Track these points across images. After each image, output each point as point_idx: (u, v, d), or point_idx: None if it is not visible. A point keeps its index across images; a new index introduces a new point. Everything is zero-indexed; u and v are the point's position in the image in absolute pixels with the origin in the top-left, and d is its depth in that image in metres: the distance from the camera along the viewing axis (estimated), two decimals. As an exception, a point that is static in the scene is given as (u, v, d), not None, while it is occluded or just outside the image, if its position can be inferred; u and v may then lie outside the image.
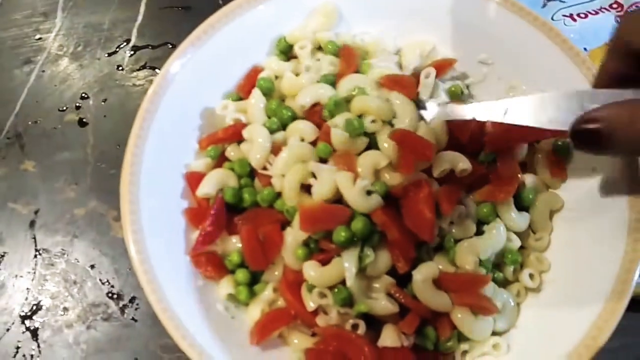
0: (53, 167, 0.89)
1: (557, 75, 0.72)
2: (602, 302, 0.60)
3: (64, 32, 1.02)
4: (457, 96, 0.78)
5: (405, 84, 0.72)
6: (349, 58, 0.76)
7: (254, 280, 0.68)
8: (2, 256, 0.84)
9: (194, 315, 0.62)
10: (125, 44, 1.00)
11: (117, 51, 1.00)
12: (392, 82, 0.71)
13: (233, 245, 0.68)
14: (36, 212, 0.86)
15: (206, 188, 0.69)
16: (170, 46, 0.99)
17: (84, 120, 0.93)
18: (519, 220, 0.69)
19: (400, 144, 0.64)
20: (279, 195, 0.68)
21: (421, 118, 0.69)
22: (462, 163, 0.66)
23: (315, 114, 0.71)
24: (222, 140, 0.73)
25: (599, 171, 0.68)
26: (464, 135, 0.70)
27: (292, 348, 0.65)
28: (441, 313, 0.64)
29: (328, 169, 0.65)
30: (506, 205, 0.69)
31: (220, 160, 0.73)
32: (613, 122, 0.45)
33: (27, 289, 0.81)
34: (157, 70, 0.97)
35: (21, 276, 0.82)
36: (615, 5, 0.94)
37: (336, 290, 0.62)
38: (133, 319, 0.79)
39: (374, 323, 0.64)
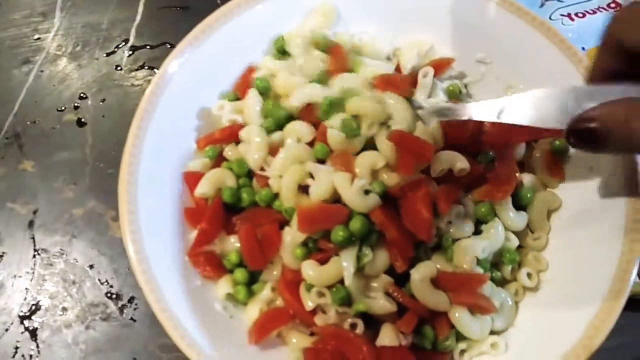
0: (52, 167, 0.89)
1: (554, 75, 0.72)
2: (599, 301, 0.60)
3: (62, 32, 1.02)
4: (455, 95, 0.78)
5: (399, 84, 0.71)
6: (338, 56, 0.75)
7: (253, 279, 0.68)
8: (1, 256, 0.84)
9: (192, 314, 0.62)
10: (123, 44, 1.00)
11: (116, 51, 1.00)
12: (385, 83, 0.71)
13: (231, 245, 0.68)
14: (35, 212, 0.86)
15: (204, 188, 0.69)
16: (169, 46, 0.99)
17: (83, 120, 0.93)
18: (517, 219, 0.69)
19: (399, 145, 0.64)
20: (276, 195, 0.68)
21: (418, 118, 0.69)
22: (461, 163, 0.66)
23: (310, 113, 0.71)
24: (219, 141, 0.73)
25: (597, 171, 0.68)
26: (462, 135, 0.70)
27: (291, 347, 0.65)
28: (439, 312, 0.64)
29: (325, 169, 0.65)
30: (504, 205, 0.69)
31: (218, 160, 0.73)
32: (609, 121, 0.46)
33: (26, 289, 0.81)
34: (155, 70, 0.97)
35: (20, 276, 0.82)
36: (613, 5, 0.94)
37: (334, 289, 0.63)
38: (132, 319, 0.79)
39: (372, 322, 0.64)
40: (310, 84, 0.73)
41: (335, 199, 0.64)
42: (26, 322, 0.79)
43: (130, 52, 0.99)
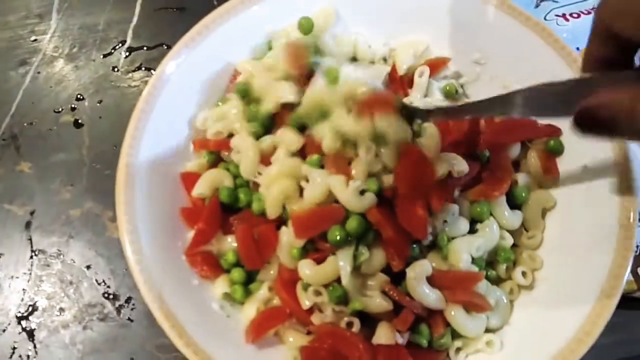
0: (49, 168, 0.89)
1: (549, 75, 0.70)
2: (593, 299, 0.61)
3: (59, 33, 1.02)
4: (451, 95, 0.79)
5: (383, 103, 0.64)
6: (294, 56, 0.73)
7: (250, 279, 0.69)
8: (-2, 257, 0.84)
9: (189, 314, 0.63)
10: (120, 45, 1.01)
11: (113, 52, 1.00)
12: (368, 106, 0.64)
13: (228, 244, 0.69)
14: (32, 213, 0.86)
15: (201, 188, 0.70)
16: (166, 47, 0.99)
17: (80, 121, 0.93)
18: (512, 218, 0.70)
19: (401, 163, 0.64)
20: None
21: (412, 129, 0.66)
22: (459, 164, 0.66)
23: (287, 114, 0.71)
24: (214, 148, 0.74)
25: (591, 170, 0.69)
26: (458, 135, 0.70)
27: (288, 346, 0.66)
28: (435, 310, 0.65)
29: (320, 172, 0.65)
30: (499, 204, 0.70)
31: (215, 160, 0.74)
32: (614, 107, 0.45)
33: (23, 289, 0.81)
34: (152, 71, 0.97)
35: (17, 277, 0.82)
36: (607, 5, 0.95)
37: (331, 288, 0.63)
38: (129, 319, 0.79)
39: (369, 321, 0.65)
40: (281, 83, 0.72)
41: (330, 200, 0.64)
42: (23, 323, 0.79)
43: (127, 54, 1.00)
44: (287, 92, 0.71)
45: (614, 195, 0.65)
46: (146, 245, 0.64)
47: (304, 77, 0.73)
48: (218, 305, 0.67)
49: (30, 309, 0.80)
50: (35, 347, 0.78)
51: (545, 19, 0.94)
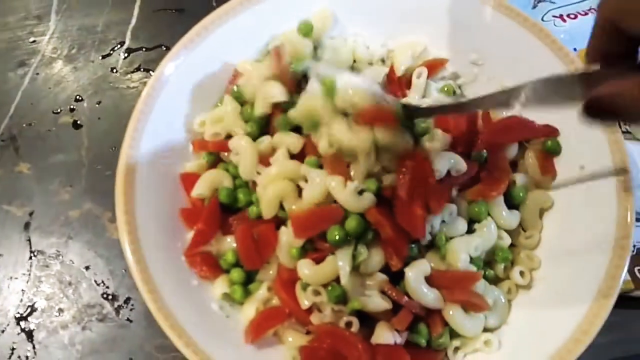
0: (48, 169, 0.90)
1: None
2: (591, 298, 0.61)
3: (57, 34, 1.02)
4: (449, 96, 0.79)
5: (384, 115, 0.63)
6: (277, 60, 0.73)
7: (249, 279, 0.69)
8: (-3, 258, 0.84)
9: (189, 314, 0.63)
10: (119, 46, 1.01)
11: (111, 54, 1.00)
12: (369, 119, 0.63)
13: (228, 245, 0.69)
14: (31, 214, 0.86)
15: (201, 189, 0.70)
16: (164, 48, 0.99)
17: (79, 122, 0.93)
18: (510, 218, 0.70)
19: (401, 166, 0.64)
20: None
21: (414, 131, 0.67)
22: (459, 164, 0.67)
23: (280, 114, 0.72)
24: (213, 149, 0.74)
25: (588, 170, 0.69)
26: (457, 134, 0.71)
27: (287, 346, 0.66)
28: (433, 310, 0.65)
29: (319, 172, 0.66)
30: (497, 204, 0.70)
31: (214, 160, 0.74)
32: (625, 96, 0.47)
33: (22, 290, 0.81)
34: (151, 72, 0.97)
35: (16, 278, 0.82)
36: (604, 6, 0.95)
37: (330, 288, 0.63)
38: (128, 319, 0.79)
39: (368, 320, 0.65)
40: (270, 83, 0.72)
41: (329, 200, 0.65)
42: (22, 324, 0.79)
43: (126, 55, 1.00)
44: (277, 93, 0.72)
45: (611, 195, 0.65)
46: (146, 245, 0.64)
47: (292, 80, 0.73)
48: (217, 306, 0.67)
49: (29, 309, 0.80)
50: (34, 347, 0.78)
51: (542, 19, 0.94)
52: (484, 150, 0.72)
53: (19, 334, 0.78)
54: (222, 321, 0.67)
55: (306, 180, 0.66)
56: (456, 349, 0.66)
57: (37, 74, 0.98)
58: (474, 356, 0.66)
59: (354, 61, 0.82)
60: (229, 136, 0.73)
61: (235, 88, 0.76)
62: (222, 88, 0.78)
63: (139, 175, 0.67)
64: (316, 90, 0.65)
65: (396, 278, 0.65)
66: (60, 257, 0.83)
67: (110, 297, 0.80)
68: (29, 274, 0.82)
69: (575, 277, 0.65)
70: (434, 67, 0.80)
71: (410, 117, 0.65)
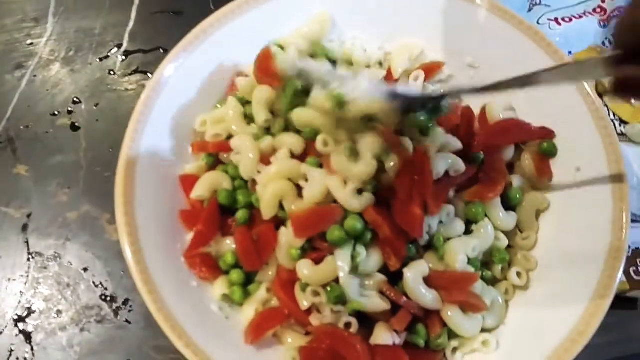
0: (46, 171, 0.90)
1: None
2: (587, 299, 0.62)
3: (55, 37, 1.02)
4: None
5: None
6: (264, 68, 0.73)
7: (248, 280, 0.69)
8: (-5, 260, 0.84)
9: (189, 315, 0.63)
10: (116, 48, 1.01)
11: (109, 56, 1.00)
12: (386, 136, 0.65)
13: (227, 246, 0.69)
14: (29, 216, 0.86)
15: (200, 190, 0.70)
16: (162, 51, 0.99)
17: (76, 124, 0.93)
18: (507, 219, 0.71)
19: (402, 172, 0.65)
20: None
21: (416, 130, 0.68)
22: (457, 164, 0.67)
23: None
24: (212, 151, 0.74)
25: (584, 172, 0.70)
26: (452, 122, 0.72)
27: (286, 347, 0.66)
28: (432, 311, 0.65)
29: (320, 171, 0.66)
30: (494, 205, 0.71)
31: (214, 162, 0.74)
32: None
33: (20, 292, 0.81)
34: (149, 74, 0.98)
35: (14, 280, 0.82)
36: (599, 10, 0.96)
37: (329, 288, 0.63)
38: (126, 321, 0.79)
39: (367, 321, 0.65)
40: (259, 89, 0.73)
41: (329, 200, 0.65)
42: (21, 325, 0.79)
43: (124, 57, 1.00)
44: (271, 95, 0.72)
45: (607, 196, 0.66)
46: (145, 246, 0.64)
47: (282, 82, 0.71)
48: (217, 307, 0.68)
49: (28, 311, 0.80)
50: (32, 349, 0.77)
51: (538, 23, 0.95)
52: (481, 152, 0.73)
53: (17, 335, 0.78)
54: (222, 322, 0.67)
55: (306, 180, 0.66)
56: (454, 349, 0.66)
57: (35, 76, 0.98)
58: (472, 356, 0.66)
59: (352, 64, 0.83)
60: (229, 137, 0.73)
61: (238, 92, 0.76)
62: (221, 90, 0.79)
63: (138, 177, 0.67)
64: (320, 100, 0.64)
65: (395, 279, 0.66)
66: (59, 259, 0.83)
67: (108, 298, 0.80)
68: (27, 276, 0.82)
69: (572, 278, 0.65)
70: (430, 70, 0.81)
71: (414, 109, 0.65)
